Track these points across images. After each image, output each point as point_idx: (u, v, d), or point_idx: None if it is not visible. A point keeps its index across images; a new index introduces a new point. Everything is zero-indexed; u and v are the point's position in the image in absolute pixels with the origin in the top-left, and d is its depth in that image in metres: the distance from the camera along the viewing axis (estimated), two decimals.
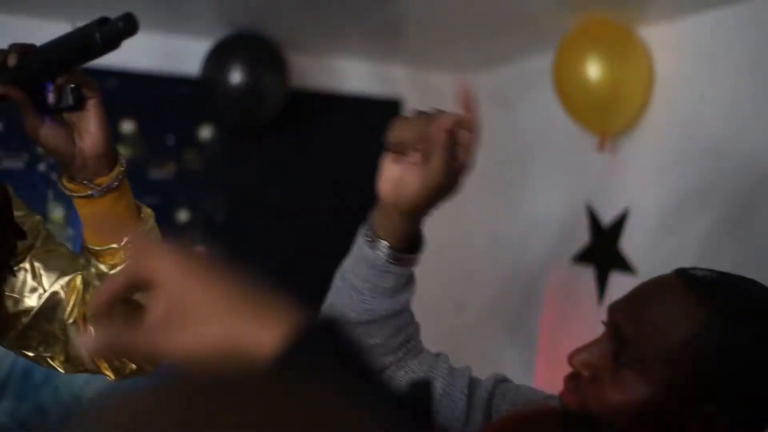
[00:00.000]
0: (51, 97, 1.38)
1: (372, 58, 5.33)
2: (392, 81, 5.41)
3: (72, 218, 4.78)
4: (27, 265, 1.69)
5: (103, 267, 1.54)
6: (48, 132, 1.38)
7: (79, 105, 1.40)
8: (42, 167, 4.59)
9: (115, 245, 1.51)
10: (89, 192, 1.45)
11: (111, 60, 4.44)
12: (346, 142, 5.17)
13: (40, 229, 1.73)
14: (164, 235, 4.88)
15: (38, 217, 1.71)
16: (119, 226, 1.54)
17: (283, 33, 4.78)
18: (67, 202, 4.64)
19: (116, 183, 1.45)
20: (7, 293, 1.66)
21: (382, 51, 5.22)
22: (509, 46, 4.78)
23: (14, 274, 1.68)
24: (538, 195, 4.76)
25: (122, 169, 1.51)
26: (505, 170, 4.93)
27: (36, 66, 1.34)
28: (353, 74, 5.32)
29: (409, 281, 1.87)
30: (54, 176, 4.58)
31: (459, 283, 5.34)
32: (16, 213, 1.72)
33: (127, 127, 4.86)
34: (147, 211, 1.56)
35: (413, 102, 5.51)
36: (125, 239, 1.47)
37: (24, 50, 1.33)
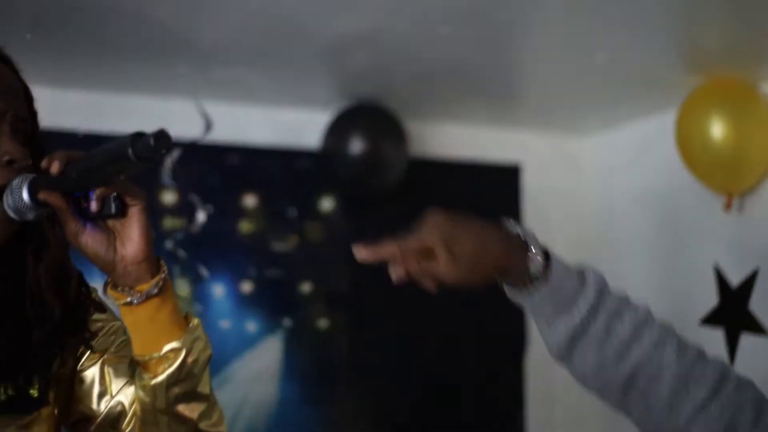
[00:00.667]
0: (94, 205, 1.44)
1: (490, 124, 5.44)
2: (510, 146, 5.52)
3: (199, 294, 5.08)
4: (97, 370, 1.70)
5: (145, 377, 1.55)
6: (88, 239, 1.43)
7: (122, 213, 1.45)
8: (169, 244, 4.88)
9: (156, 354, 1.51)
10: (129, 299, 1.47)
11: (232, 136, 4.80)
12: (467, 209, 5.35)
13: (117, 335, 1.74)
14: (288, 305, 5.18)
15: (118, 324, 1.74)
16: (161, 334, 1.51)
17: (402, 102, 4.96)
18: (193, 278, 4.99)
19: (156, 290, 1.49)
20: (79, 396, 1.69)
21: (499, 117, 5.33)
22: (630, 107, 4.81)
23: (82, 379, 1.69)
24: (664, 256, 4.83)
25: (163, 275, 1.51)
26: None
27: (77, 175, 1.42)
28: (471, 141, 5.47)
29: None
30: (181, 253, 4.97)
31: None
32: (97, 316, 1.72)
33: (250, 201, 5.12)
34: (195, 321, 1.56)
35: (532, 166, 5.71)
36: (166, 348, 1.51)
37: (67, 158, 1.45)
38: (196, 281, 4.97)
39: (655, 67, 4.01)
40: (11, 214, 1.43)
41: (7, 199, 1.44)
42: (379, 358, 5.34)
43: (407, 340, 5.39)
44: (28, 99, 1.65)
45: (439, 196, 5.35)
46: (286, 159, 5.11)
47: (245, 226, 5.15)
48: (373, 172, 4.90)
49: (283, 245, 5.15)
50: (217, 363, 5.09)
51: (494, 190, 5.60)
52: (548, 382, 5.37)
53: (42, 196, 1.41)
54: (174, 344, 1.53)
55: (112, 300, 1.48)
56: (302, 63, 4.56)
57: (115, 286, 1.48)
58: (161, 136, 1.33)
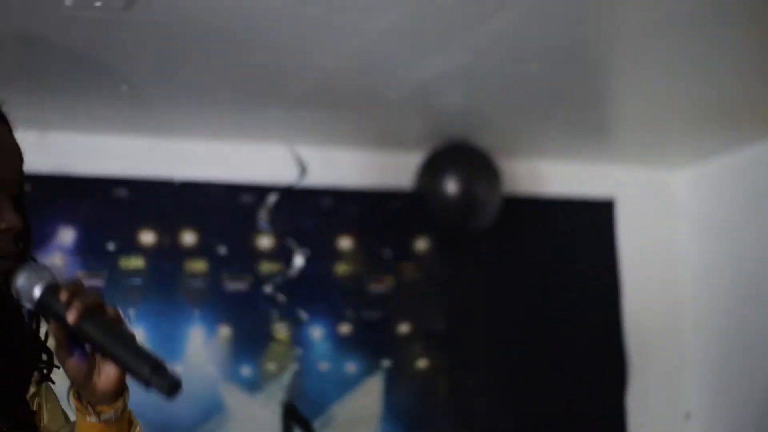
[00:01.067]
0: (89, 347, 1.54)
1: (583, 159, 5.50)
2: (603, 181, 5.58)
3: (298, 337, 5.25)
4: (42, 400, 1.80)
5: None
6: (72, 365, 1.53)
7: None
8: (268, 289, 5.08)
9: None
10: (88, 417, 1.59)
11: (326, 179, 5.02)
12: (562, 245, 5.38)
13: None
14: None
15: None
16: None
17: (494, 140, 5.06)
18: (293, 322, 5.19)
19: (114, 416, 1.59)
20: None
21: (592, 152, 5.38)
22: (726, 137, 4.82)
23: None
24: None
25: (124, 404, 1.60)
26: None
27: (86, 337, 1.49)
28: (564, 177, 5.54)
29: None
30: (279, 297, 5.15)
31: (686, 391, 5.48)
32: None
33: (345, 243, 5.29)
34: (138, 428, 1.67)
35: (625, 201, 5.77)
36: None
37: (85, 312, 1.48)
38: (296, 324, 5.15)
39: (752, 95, 4.09)
40: (12, 290, 1.51)
41: (19, 280, 1.51)
42: (479, 397, 5.40)
43: (506, 379, 5.45)
44: (21, 160, 1.70)
45: (534, 233, 5.48)
46: (380, 200, 5.27)
47: (341, 269, 5.31)
48: (468, 211, 5.02)
49: (379, 286, 5.30)
50: (317, 405, 5.30)
51: (589, 225, 5.65)
52: (649, 418, 5.45)
53: (51, 327, 1.51)
54: None
55: (73, 407, 1.60)
56: (393, 105, 4.71)
57: (79, 398, 1.58)
58: (172, 384, 1.40)
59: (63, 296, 1.46)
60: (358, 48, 4.01)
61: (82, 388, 1.55)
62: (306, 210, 5.24)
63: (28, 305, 1.52)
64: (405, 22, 3.74)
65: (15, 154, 1.63)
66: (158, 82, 4.46)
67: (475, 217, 5.10)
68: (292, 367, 5.21)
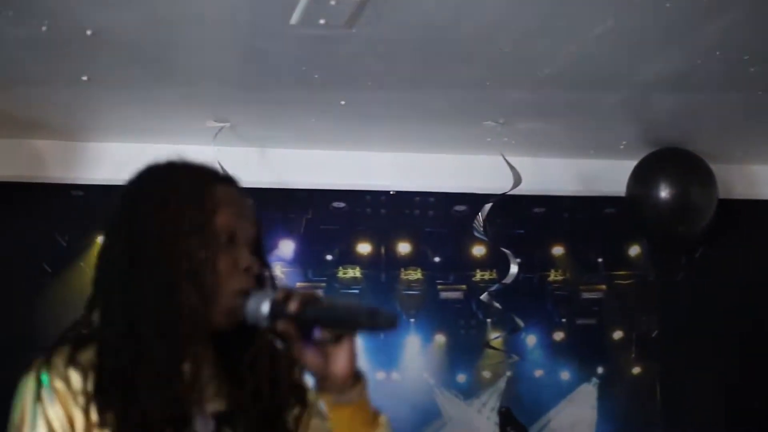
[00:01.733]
0: (317, 333, 1.80)
1: None
2: None
3: (513, 345, 5.54)
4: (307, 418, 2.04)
5: None
6: (308, 357, 1.80)
7: (337, 341, 1.81)
8: (484, 297, 5.29)
9: None
10: (334, 401, 1.87)
11: (538, 187, 5.37)
12: None
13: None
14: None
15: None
16: (356, 430, 1.86)
17: (708, 145, 5.18)
18: (508, 329, 5.52)
19: (354, 398, 1.87)
20: None
21: None
22: None
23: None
24: None
25: (361, 387, 1.87)
26: None
27: (311, 319, 1.75)
28: None
29: None
30: (495, 304, 5.33)
31: None
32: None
33: (557, 251, 5.57)
34: (382, 419, 1.93)
35: None
36: None
37: (305, 301, 1.78)
38: (511, 332, 5.43)
39: None
40: (247, 317, 1.79)
41: (251, 305, 1.79)
42: (693, 404, 5.53)
43: (721, 386, 5.56)
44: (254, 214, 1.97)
45: (751, 237, 5.55)
46: (592, 207, 5.47)
47: (554, 276, 5.60)
48: (682, 217, 5.14)
49: (592, 293, 5.57)
50: (533, 412, 5.63)
51: None
52: None
53: (281, 326, 1.77)
54: None
55: (321, 399, 1.87)
56: (608, 112, 4.89)
57: (322, 390, 1.85)
58: (390, 321, 1.69)
59: (279, 296, 1.76)
60: (575, 55, 4.15)
61: (322, 381, 1.82)
62: (519, 218, 5.50)
63: (264, 323, 1.78)
64: (624, 27, 3.81)
65: (251, 212, 1.91)
66: (374, 96, 4.74)
67: (689, 222, 5.22)
68: (507, 375, 5.54)
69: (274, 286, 1.87)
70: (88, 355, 1.80)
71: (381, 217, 5.51)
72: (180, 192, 1.84)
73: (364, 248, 5.54)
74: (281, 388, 1.95)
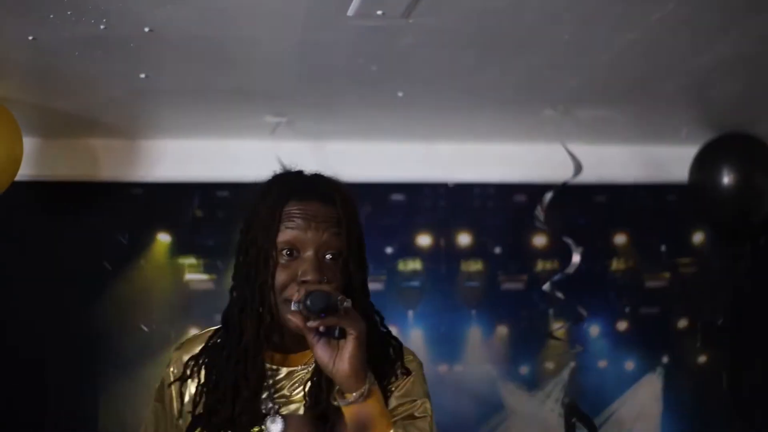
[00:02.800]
0: (322, 328, 1.93)
1: None
2: None
3: (576, 335, 5.50)
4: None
5: None
6: (318, 350, 1.93)
7: (342, 337, 1.93)
8: (546, 287, 5.27)
9: None
10: (340, 402, 1.97)
11: (599, 175, 5.31)
12: None
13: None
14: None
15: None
16: (367, 428, 1.98)
17: None
18: (571, 319, 5.48)
19: (356, 400, 1.94)
20: None
21: None
22: None
23: None
24: None
25: (362, 392, 1.95)
26: None
27: (312, 308, 1.92)
28: None
29: None
30: (558, 294, 5.33)
31: None
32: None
33: (620, 239, 5.52)
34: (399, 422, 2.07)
35: None
36: None
37: (308, 291, 1.93)
38: (574, 322, 5.40)
39: None
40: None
41: (293, 308, 1.97)
42: (761, 393, 5.48)
43: None
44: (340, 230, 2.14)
45: None
46: (655, 195, 5.43)
47: (617, 265, 5.56)
48: (746, 203, 5.09)
49: (656, 282, 5.51)
50: (597, 403, 5.58)
51: None
52: None
53: (287, 315, 2.01)
54: None
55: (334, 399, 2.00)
56: (668, 98, 4.84)
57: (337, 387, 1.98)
58: (314, 296, 1.91)
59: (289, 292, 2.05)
60: (635, 40, 4.08)
61: (331, 375, 1.96)
62: (581, 207, 5.48)
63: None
64: (683, 10, 3.74)
65: (322, 221, 2.11)
66: (432, 86, 4.74)
67: (754, 209, 5.16)
68: (571, 365, 5.49)
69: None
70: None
71: (440, 209, 5.52)
72: (257, 216, 2.13)
73: (424, 240, 5.55)
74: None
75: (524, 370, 5.50)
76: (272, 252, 2.09)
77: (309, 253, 2.07)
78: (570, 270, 5.25)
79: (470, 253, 5.53)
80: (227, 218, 5.53)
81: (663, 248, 5.40)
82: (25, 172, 4.81)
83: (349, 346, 1.94)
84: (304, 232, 2.08)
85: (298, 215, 2.09)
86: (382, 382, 2.13)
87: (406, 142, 5.44)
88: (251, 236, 2.13)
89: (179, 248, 5.56)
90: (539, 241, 5.51)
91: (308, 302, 1.91)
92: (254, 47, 4.15)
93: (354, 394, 1.96)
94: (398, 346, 2.24)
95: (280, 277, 2.08)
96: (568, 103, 4.94)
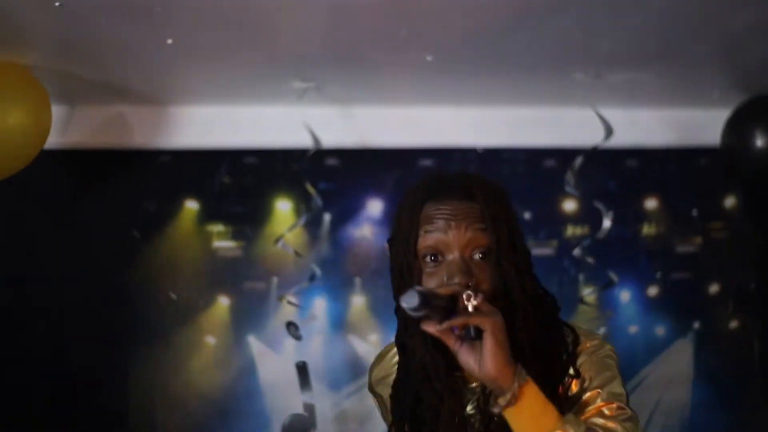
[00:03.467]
0: (457, 331, 1.80)
1: None
2: None
3: (607, 300, 5.52)
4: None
5: None
6: (462, 356, 1.81)
7: (479, 336, 1.79)
8: (576, 252, 5.31)
9: None
10: (494, 408, 1.82)
11: (630, 140, 5.28)
12: None
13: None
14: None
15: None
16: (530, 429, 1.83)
17: None
18: (601, 284, 5.48)
19: (508, 403, 1.80)
20: None
21: None
22: None
23: None
24: None
25: (509, 395, 1.80)
26: None
27: (433, 314, 1.78)
28: None
29: None
30: (588, 259, 5.36)
31: None
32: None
33: (651, 204, 5.48)
34: (570, 417, 1.84)
35: None
36: None
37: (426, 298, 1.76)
38: (605, 287, 5.39)
39: None
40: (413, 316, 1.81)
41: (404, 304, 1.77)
42: None
43: None
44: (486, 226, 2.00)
45: None
46: (686, 159, 5.39)
47: (647, 230, 5.54)
48: None
49: (687, 247, 5.49)
50: (628, 369, 5.54)
51: None
52: None
53: (423, 326, 1.83)
54: None
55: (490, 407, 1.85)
56: (700, 61, 4.80)
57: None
58: (408, 296, 1.70)
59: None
60: (667, 3, 4.09)
61: (480, 379, 1.84)
62: (611, 172, 5.45)
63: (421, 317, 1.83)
64: None
65: (463, 221, 1.98)
66: (461, 50, 4.72)
67: None
68: (602, 331, 5.46)
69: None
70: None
71: None
72: (400, 223, 2.06)
73: None
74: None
75: None
76: (413, 261, 1.98)
77: (454, 255, 1.96)
78: (600, 235, 5.25)
79: None
80: (255, 185, 5.53)
81: (694, 213, 5.38)
82: (53, 140, 4.81)
83: (486, 344, 1.80)
84: (444, 233, 1.96)
85: (437, 216, 1.98)
86: (556, 385, 2.00)
87: (435, 107, 5.43)
88: (395, 248, 2.05)
89: (207, 216, 5.57)
90: (569, 206, 5.50)
91: (404, 304, 1.73)
92: (281, 11, 4.15)
93: (503, 397, 1.82)
94: (574, 338, 2.10)
95: (427, 285, 1.96)
96: (599, 67, 4.92)
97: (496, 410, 1.83)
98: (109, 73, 4.93)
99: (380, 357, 2.34)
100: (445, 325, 1.80)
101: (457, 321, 1.80)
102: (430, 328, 1.81)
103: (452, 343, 1.83)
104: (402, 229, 2.03)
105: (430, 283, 1.95)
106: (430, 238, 1.97)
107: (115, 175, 5.43)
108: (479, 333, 1.80)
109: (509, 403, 1.82)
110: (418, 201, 2.02)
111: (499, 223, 2.00)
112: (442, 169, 2.20)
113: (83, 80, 4.95)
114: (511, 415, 1.83)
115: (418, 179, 2.12)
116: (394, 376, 2.20)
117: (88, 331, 5.26)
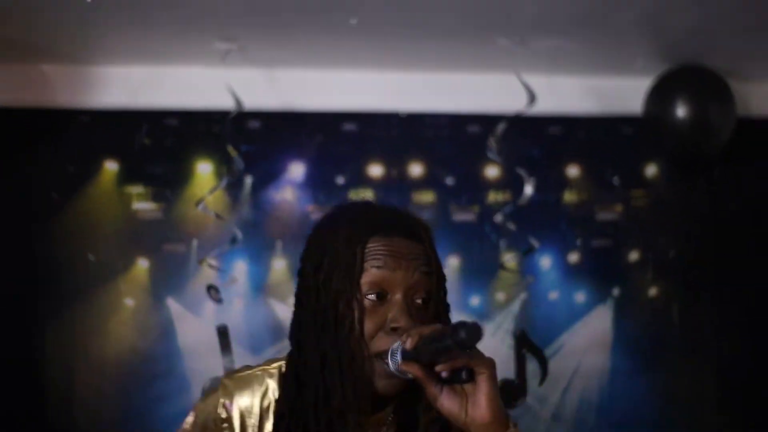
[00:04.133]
0: (445, 374, 1.71)
1: None
2: None
3: (528, 266, 5.54)
4: None
5: None
6: (444, 401, 1.70)
7: (471, 379, 1.70)
8: (498, 218, 5.30)
9: None
10: None
11: (553, 107, 5.35)
12: None
13: None
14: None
15: None
16: None
17: (727, 62, 5.15)
18: (522, 250, 5.51)
19: None
20: None
21: None
22: None
23: None
24: None
25: None
26: None
27: (427, 352, 1.69)
28: None
29: None
30: (510, 226, 5.33)
31: None
32: None
33: (573, 171, 5.53)
34: None
35: None
36: None
37: (420, 337, 1.70)
38: (526, 253, 5.42)
39: None
40: (396, 373, 1.76)
41: (390, 361, 1.76)
42: (712, 326, 5.57)
43: (745, 305, 5.55)
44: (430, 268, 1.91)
45: None
46: (609, 127, 5.45)
47: (569, 197, 5.59)
48: (700, 136, 5.12)
49: (608, 214, 5.55)
50: (547, 334, 5.68)
51: None
52: None
53: (402, 367, 1.72)
54: None
55: None
56: (623, 28, 4.86)
57: None
58: (471, 330, 1.58)
59: (402, 339, 1.74)
60: None
61: (463, 426, 1.72)
62: (534, 138, 5.49)
63: (409, 375, 1.75)
64: None
65: (411, 259, 1.85)
66: (385, 14, 4.75)
67: (707, 142, 5.19)
68: (522, 297, 5.58)
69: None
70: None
71: (392, 139, 5.53)
72: (333, 253, 1.86)
73: (375, 171, 5.56)
74: None
75: (475, 301, 5.58)
76: (358, 295, 1.82)
77: (398, 296, 1.83)
78: (522, 201, 5.29)
79: (422, 183, 5.56)
80: (176, 146, 5.51)
81: (616, 180, 5.44)
82: None
83: (483, 388, 1.70)
84: (393, 272, 1.83)
85: (384, 253, 1.84)
86: None
87: (358, 71, 5.43)
88: (324, 277, 1.86)
89: (127, 177, 5.53)
90: (492, 172, 5.55)
91: (463, 335, 1.60)
92: None
93: None
94: None
95: (367, 325, 1.82)
96: (522, 33, 4.96)
97: None
98: (28, 30, 4.88)
99: (244, 381, 2.00)
100: (443, 366, 1.70)
101: (460, 362, 1.69)
102: (413, 369, 1.72)
103: (432, 387, 1.73)
104: (339, 258, 1.86)
105: (369, 323, 1.82)
106: (376, 274, 1.83)
107: (34, 136, 5.38)
108: (471, 375, 1.71)
109: None
110: (361, 232, 1.86)
111: (440, 269, 1.92)
112: (375, 200, 2.02)
113: (2, 38, 4.88)
114: None
115: (345, 207, 1.99)
116: (269, 404, 1.97)
117: (5, 292, 5.21)
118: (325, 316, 1.84)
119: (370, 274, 1.83)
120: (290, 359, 1.93)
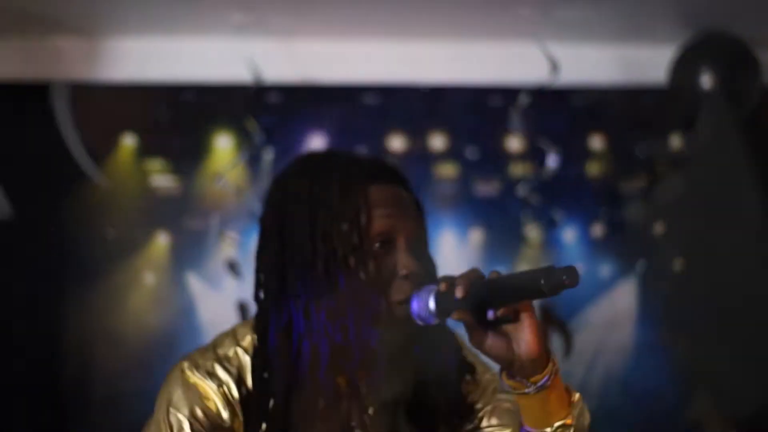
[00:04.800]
0: (491, 315, 1.74)
1: None
2: None
3: (551, 239, 5.55)
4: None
5: None
6: (491, 343, 1.74)
7: (515, 318, 1.74)
8: (520, 191, 5.32)
9: (548, 429, 1.83)
10: (525, 390, 1.78)
11: (577, 77, 5.30)
12: None
13: (489, 387, 2.10)
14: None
15: (488, 376, 2.06)
16: (551, 414, 1.82)
17: (753, 29, 5.08)
18: (546, 223, 5.54)
19: (548, 382, 1.78)
20: None
21: None
22: None
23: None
24: None
25: (554, 368, 1.79)
26: None
27: (482, 301, 1.72)
28: None
29: None
30: (533, 198, 5.35)
31: None
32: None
33: (597, 142, 5.52)
34: (576, 396, 1.84)
35: None
36: (556, 425, 1.83)
37: (469, 283, 1.71)
38: (549, 226, 5.44)
39: None
40: (416, 319, 1.78)
41: (415, 308, 1.78)
42: (739, 300, 5.44)
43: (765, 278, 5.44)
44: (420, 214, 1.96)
45: None
46: (633, 97, 5.40)
47: (593, 168, 5.59)
48: (725, 105, 5.09)
49: (633, 186, 5.64)
50: (572, 308, 5.67)
51: None
52: None
53: (456, 316, 1.71)
54: (563, 421, 1.82)
55: (508, 387, 1.78)
56: None
57: (511, 377, 1.78)
58: (572, 273, 1.60)
59: (442, 287, 1.74)
60: None
61: (509, 365, 1.76)
62: (557, 110, 5.44)
63: (433, 320, 1.77)
64: None
65: (411, 209, 1.91)
66: None
67: (732, 111, 5.16)
68: None
69: (434, 280, 1.83)
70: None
71: (414, 111, 5.47)
72: (330, 205, 1.85)
73: (396, 144, 5.53)
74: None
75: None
76: (366, 244, 1.83)
77: (401, 242, 1.85)
78: (545, 174, 5.25)
79: (444, 155, 5.54)
80: (194, 120, 5.50)
81: (641, 151, 5.39)
82: None
83: (529, 325, 1.73)
84: (397, 219, 1.85)
85: (387, 200, 1.86)
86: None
87: (378, 42, 5.39)
88: (322, 230, 1.84)
89: (145, 151, 5.52)
90: (515, 144, 5.50)
91: (565, 279, 1.61)
92: None
93: (544, 375, 1.77)
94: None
95: (380, 274, 1.83)
96: (545, 1, 4.91)
97: (528, 390, 1.78)
98: (43, 3, 4.85)
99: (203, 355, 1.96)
100: (505, 310, 1.72)
101: (512, 303, 1.72)
102: (464, 315, 1.71)
103: (479, 333, 1.74)
104: (344, 210, 1.84)
105: (382, 271, 1.83)
106: (382, 223, 1.84)
107: (50, 110, 5.36)
108: (516, 316, 1.74)
109: (550, 379, 1.78)
110: (360, 181, 1.86)
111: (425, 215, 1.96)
112: (354, 150, 2.08)
113: (11, 10, 4.87)
114: (543, 396, 1.79)
115: (315, 157, 1.99)
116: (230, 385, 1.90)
117: (24, 269, 5.23)
118: (332, 272, 1.82)
119: (377, 223, 1.83)
120: (276, 324, 1.88)
